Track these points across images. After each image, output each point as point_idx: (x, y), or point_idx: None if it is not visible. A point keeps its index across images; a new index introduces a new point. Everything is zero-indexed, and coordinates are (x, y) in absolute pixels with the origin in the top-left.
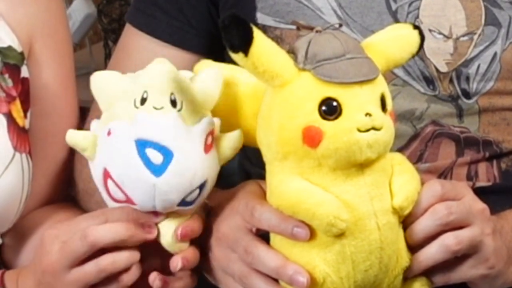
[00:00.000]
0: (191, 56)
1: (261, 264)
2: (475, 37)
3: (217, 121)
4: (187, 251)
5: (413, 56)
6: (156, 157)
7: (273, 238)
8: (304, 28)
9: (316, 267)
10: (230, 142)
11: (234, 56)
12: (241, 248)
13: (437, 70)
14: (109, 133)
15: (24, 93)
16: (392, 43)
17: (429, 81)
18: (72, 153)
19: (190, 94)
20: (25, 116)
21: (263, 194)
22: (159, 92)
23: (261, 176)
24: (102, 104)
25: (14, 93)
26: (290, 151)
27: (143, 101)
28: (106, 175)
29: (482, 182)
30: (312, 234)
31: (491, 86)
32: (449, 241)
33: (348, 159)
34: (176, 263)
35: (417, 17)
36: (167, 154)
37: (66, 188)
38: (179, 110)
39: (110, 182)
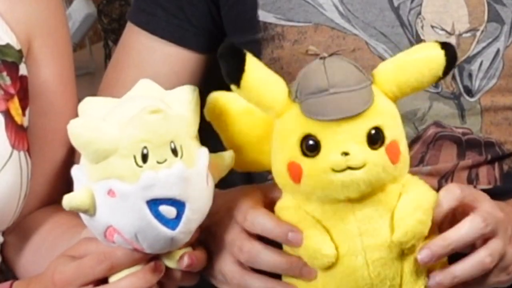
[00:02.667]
0: (192, 54)
1: (260, 260)
2: (478, 33)
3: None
4: (195, 251)
5: (440, 79)
6: (170, 212)
7: None
8: (311, 55)
9: None
10: (226, 161)
11: (230, 86)
12: (236, 248)
13: None
14: (111, 193)
15: (23, 91)
16: (409, 67)
17: None
18: (72, 153)
19: (188, 136)
20: (24, 114)
21: (260, 199)
22: (159, 144)
23: (261, 176)
24: (88, 156)
25: (12, 90)
26: (283, 184)
27: (145, 157)
28: (112, 231)
29: (482, 185)
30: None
31: (493, 83)
32: (485, 258)
33: (328, 197)
34: (183, 260)
35: (420, 13)
36: (180, 206)
37: (67, 187)
38: (181, 157)
39: (117, 237)
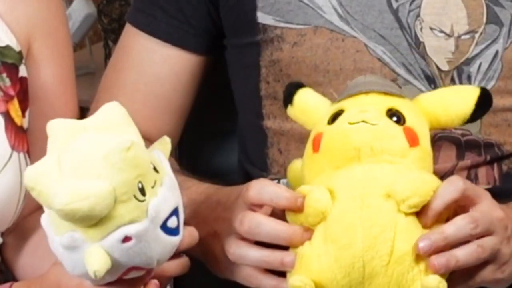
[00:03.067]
0: (191, 55)
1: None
2: (477, 35)
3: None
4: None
5: (470, 118)
6: (174, 222)
7: None
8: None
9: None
10: (168, 145)
11: (287, 110)
12: (238, 221)
13: (438, 68)
14: (127, 239)
15: (23, 92)
16: (448, 93)
17: (430, 79)
18: None
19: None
20: (24, 115)
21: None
22: (146, 171)
23: (260, 175)
24: (86, 224)
25: (12, 92)
26: (304, 164)
27: (142, 190)
28: (130, 270)
29: (482, 185)
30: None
31: (492, 85)
32: (477, 248)
33: (339, 151)
34: None
35: (418, 15)
36: (176, 211)
37: None
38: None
39: (134, 272)
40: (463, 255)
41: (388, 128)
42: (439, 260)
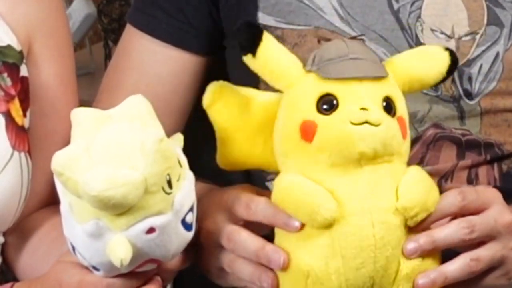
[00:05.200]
0: (192, 56)
1: (243, 249)
2: (478, 37)
3: None
4: None
5: (443, 78)
6: (191, 217)
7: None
8: (324, 40)
9: (301, 261)
10: (177, 143)
11: (244, 58)
12: (225, 238)
13: None
14: (151, 230)
15: (23, 92)
16: (417, 60)
17: None
18: None
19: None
20: (24, 115)
21: (254, 192)
22: (174, 164)
23: (260, 176)
24: (116, 211)
25: (13, 92)
26: (290, 148)
27: (169, 183)
28: (147, 261)
29: (482, 185)
30: (302, 227)
31: (493, 86)
32: (470, 262)
33: (341, 153)
34: None
35: (419, 16)
36: (193, 207)
37: None
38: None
39: (150, 265)
40: (452, 271)
41: (390, 129)
42: (423, 280)
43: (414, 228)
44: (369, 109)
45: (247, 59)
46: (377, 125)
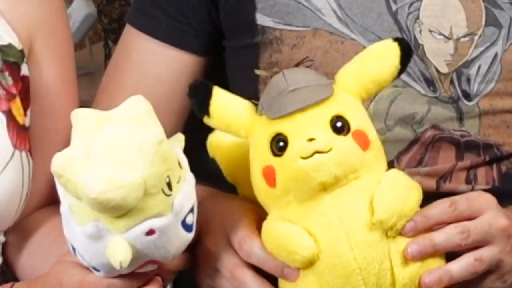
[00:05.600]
0: (191, 56)
1: None
2: (476, 37)
3: None
4: None
5: (401, 70)
6: (191, 218)
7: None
8: (267, 74)
9: None
10: (178, 143)
11: (203, 120)
12: (227, 271)
13: (437, 71)
14: (151, 232)
15: (24, 91)
16: (366, 62)
17: (429, 82)
18: None
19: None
20: (25, 114)
21: (255, 219)
22: (174, 166)
23: None
24: (115, 213)
25: (14, 91)
26: (262, 197)
27: (169, 185)
28: (148, 263)
29: (481, 185)
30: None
31: (492, 87)
32: (474, 262)
33: (303, 189)
34: None
35: (418, 18)
36: (193, 209)
37: None
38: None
39: (150, 266)
40: (457, 270)
41: (343, 148)
42: (430, 278)
43: (401, 233)
44: (316, 137)
45: (205, 120)
46: (327, 151)
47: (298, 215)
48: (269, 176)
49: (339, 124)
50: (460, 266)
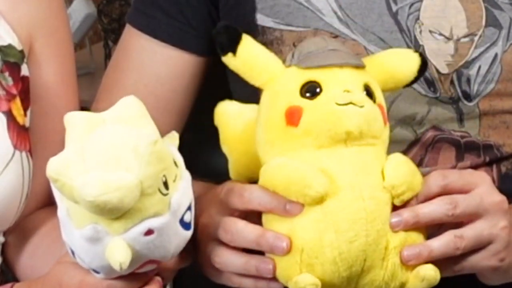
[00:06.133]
0: (192, 56)
1: (241, 238)
2: (476, 38)
3: None
4: None
5: (415, 79)
6: (189, 215)
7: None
8: None
9: (294, 235)
10: (172, 141)
11: (224, 58)
12: (221, 230)
13: (437, 71)
14: (149, 232)
15: (24, 91)
16: (391, 57)
17: (429, 82)
18: None
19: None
20: (25, 114)
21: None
22: (169, 165)
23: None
24: (112, 215)
25: (14, 91)
26: (275, 136)
27: (166, 184)
28: (147, 263)
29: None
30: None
31: (492, 88)
32: (454, 238)
33: (328, 133)
34: None
35: (418, 18)
36: (190, 206)
37: None
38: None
39: (150, 266)
40: (437, 246)
41: (373, 111)
42: (409, 251)
43: (399, 207)
44: (352, 91)
45: (227, 58)
46: (361, 106)
47: (313, 158)
48: (294, 115)
49: (368, 92)
50: (440, 243)
